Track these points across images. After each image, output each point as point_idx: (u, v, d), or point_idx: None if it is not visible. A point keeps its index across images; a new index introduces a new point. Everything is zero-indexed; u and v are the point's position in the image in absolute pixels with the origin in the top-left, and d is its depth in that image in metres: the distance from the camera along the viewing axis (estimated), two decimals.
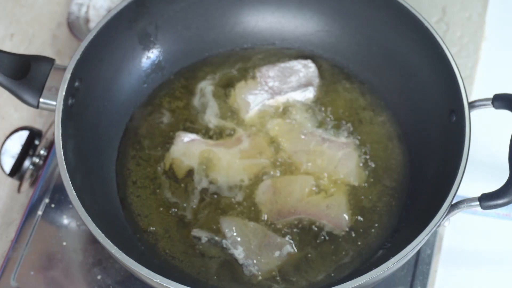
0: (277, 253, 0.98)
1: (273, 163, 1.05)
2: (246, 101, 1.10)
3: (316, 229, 1.00)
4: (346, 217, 1.00)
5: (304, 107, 1.10)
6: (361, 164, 1.05)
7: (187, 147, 1.06)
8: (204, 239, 0.99)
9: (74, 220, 1.09)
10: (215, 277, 0.97)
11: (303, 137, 1.07)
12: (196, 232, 1.00)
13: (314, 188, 1.02)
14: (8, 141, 1.13)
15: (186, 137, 1.06)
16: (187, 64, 1.14)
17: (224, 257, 0.98)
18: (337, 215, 1.00)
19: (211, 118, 1.09)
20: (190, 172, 1.05)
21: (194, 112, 1.10)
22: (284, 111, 1.09)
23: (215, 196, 1.03)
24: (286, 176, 1.04)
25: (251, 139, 1.06)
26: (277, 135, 1.07)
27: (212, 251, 0.99)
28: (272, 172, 1.04)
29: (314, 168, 1.04)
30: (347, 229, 1.00)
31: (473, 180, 1.02)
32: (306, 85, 1.11)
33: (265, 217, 1.01)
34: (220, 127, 1.09)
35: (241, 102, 1.10)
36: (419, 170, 1.03)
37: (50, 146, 1.14)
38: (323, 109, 1.10)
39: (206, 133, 1.08)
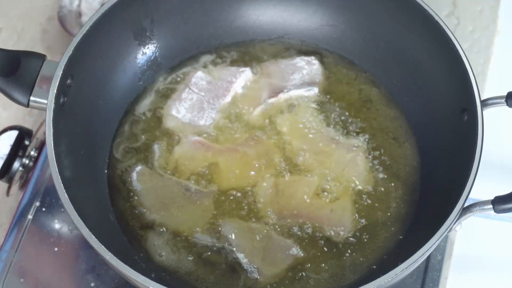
0: (282, 256, 0.98)
1: (279, 163, 1.05)
2: (248, 99, 1.10)
3: (318, 233, 1.00)
4: (349, 222, 1.00)
5: (310, 105, 1.10)
6: (370, 166, 1.05)
7: (192, 149, 1.06)
8: (204, 244, 0.99)
9: (66, 224, 1.09)
10: (216, 284, 0.97)
11: (311, 136, 1.07)
12: (197, 237, 1.00)
13: (319, 191, 1.03)
14: None
15: (192, 139, 1.06)
16: (184, 59, 1.14)
17: (226, 262, 0.98)
18: (340, 220, 1.00)
19: (213, 118, 1.09)
20: (193, 174, 1.04)
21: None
22: (290, 109, 1.09)
23: (218, 198, 1.03)
24: (290, 177, 1.04)
25: (256, 141, 1.06)
26: (285, 132, 1.07)
27: (213, 256, 0.99)
28: (277, 172, 1.04)
29: (321, 169, 1.04)
30: (349, 235, 1.00)
31: (486, 182, 1.02)
32: (309, 83, 1.11)
33: (266, 217, 1.01)
34: (223, 126, 1.08)
35: (243, 100, 1.10)
36: (429, 172, 1.04)
37: (41, 147, 1.14)
38: (329, 107, 1.10)
39: (207, 132, 1.08)
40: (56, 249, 1.07)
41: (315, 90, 1.10)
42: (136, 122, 1.09)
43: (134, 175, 1.04)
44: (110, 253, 0.87)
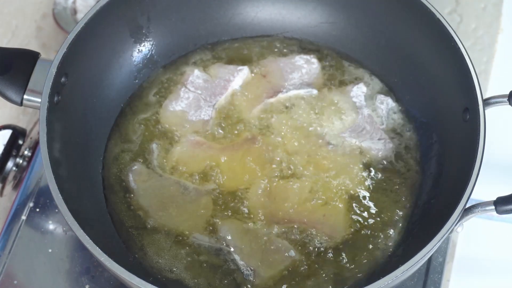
0: (280, 258, 0.98)
1: (275, 164, 1.05)
2: (246, 99, 1.10)
3: (311, 238, 0.99)
4: (343, 227, 1.00)
5: (308, 105, 1.09)
6: (369, 167, 1.05)
7: (191, 149, 1.06)
8: (202, 245, 0.99)
9: (60, 225, 1.09)
10: (211, 284, 0.97)
11: (306, 137, 1.06)
12: (195, 237, 1.00)
13: (311, 195, 1.02)
14: None
15: (191, 139, 1.06)
16: (181, 57, 1.14)
17: (223, 264, 0.98)
18: (333, 224, 1.00)
19: (210, 116, 1.09)
20: (192, 174, 1.04)
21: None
22: (288, 109, 1.09)
23: (216, 199, 1.02)
24: (285, 180, 1.03)
25: (253, 141, 1.06)
26: (283, 133, 1.07)
27: (210, 257, 0.99)
28: (272, 174, 1.04)
29: (315, 172, 1.04)
30: (344, 238, 0.99)
31: (488, 182, 1.02)
32: (308, 83, 1.11)
33: (258, 221, 1.00)
34: (221, 126, 1.08)
35: (242, 99, 1.10)
36: (430, 172, 1.03)
37: (35, 146, 1.14)
38: (328, 107, 1.10)
39: (205, 130, 1.08)
40: (50, 250, 1.07)
41: (313, 91, 1.10)
42: (132, 121, 1.09)
43: (130, 175, 1.04)
44: (105, 255, 0.87)
